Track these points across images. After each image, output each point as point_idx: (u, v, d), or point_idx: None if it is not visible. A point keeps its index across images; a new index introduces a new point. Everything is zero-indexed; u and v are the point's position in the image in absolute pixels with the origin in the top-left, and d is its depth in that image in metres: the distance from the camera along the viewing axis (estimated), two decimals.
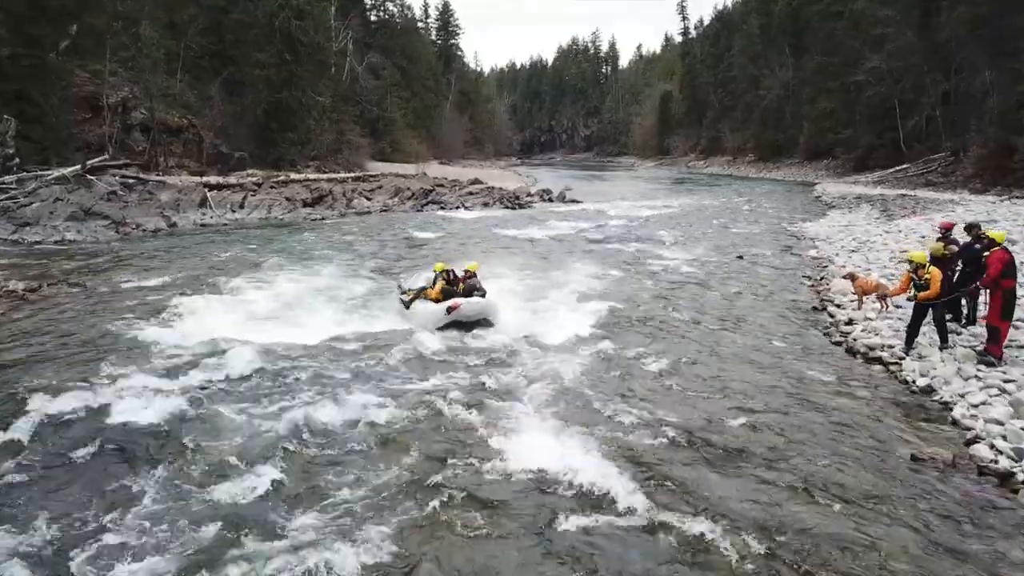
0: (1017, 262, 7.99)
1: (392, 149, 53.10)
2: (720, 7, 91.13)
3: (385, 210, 28.35)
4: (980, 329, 8.49)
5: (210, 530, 4.74)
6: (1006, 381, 6.92)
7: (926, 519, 4.91)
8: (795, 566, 4.38)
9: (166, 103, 29.94)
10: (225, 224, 22.73)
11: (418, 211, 28.61)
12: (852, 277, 10.53)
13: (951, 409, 6.70)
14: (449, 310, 9.52)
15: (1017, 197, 25.13)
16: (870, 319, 9.63)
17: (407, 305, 10.38)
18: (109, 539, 4.65)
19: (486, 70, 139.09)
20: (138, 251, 16.86)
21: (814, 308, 11.40)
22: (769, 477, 5.55)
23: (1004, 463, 5.56)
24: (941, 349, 7.95)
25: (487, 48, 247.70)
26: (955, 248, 8.96)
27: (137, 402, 6.84)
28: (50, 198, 20.02)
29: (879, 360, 8.33)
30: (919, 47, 39.08)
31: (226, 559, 4.44)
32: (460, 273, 10.40)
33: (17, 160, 21.18)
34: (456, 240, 19.95)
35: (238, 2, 35.86)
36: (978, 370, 7.29)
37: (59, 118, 23.87)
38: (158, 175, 25.77)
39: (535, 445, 6.01)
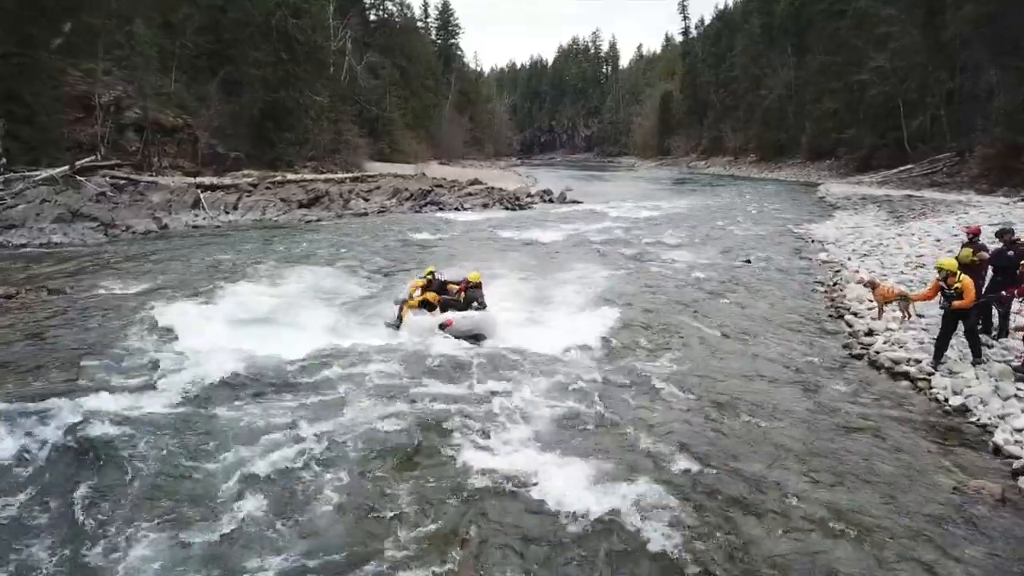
0: None
1: (391, 149, 52.54)
2: (721, 6, 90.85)
3: (382, 211, 27.79)
4: (1014, 342, 7.96)
5: (188, 553, 4.50)
6: None
7: (985, 567, 4.37)
8: None
9: (160, 102, 29.38)
10: (218, 226, 22.17)
11: (416, 212, 28.05)
12: (873, 285, 9.95)
13: (991, 433, 6.16)
14: (442, 326, 8.94)
15: None
16: (892, 330, 9.07)
17: (396, 326, 9.50)
18: (83, 558, 4.40)
19: (486, 70, 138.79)
20: (125, 254, 16.30)
21: (830, 316, 10.87)
22: (796, 512, 5.01)
23: None
24: (974, 364, 7.39)
25: (487, 48, 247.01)
26: (985, 255, 8.42)
27: (110, 420, 6.28)
28: (37, 199, 19.46)
29: (905, 375, 7.77)
30: (923, 46, 38.55)
31: None
32: (453, 278, 9.85)
33: (4, 160, 20.63)
34: (454, 243, 19.40)
35: (235, 1, 35.31)
36: (1018, 388, 6.74)
37: (50, 117, 23.34)
38: (151, 176, 25.22)
39: (534, 470, 5.55)
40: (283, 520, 4.88)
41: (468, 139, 77.55)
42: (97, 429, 6.04)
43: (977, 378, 7.09)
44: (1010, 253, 8.06)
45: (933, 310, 9.61)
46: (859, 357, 8.67)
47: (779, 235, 21.44)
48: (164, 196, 23.13)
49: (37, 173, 20.71)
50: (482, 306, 9.39)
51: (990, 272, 8.41)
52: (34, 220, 18.76)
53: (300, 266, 14.74)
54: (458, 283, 10.05)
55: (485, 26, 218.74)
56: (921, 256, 13.90)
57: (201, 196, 24.13)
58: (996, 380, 6.95)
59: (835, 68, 48.65)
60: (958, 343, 7.84)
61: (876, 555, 4.48)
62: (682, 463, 5.75)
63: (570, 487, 5.28)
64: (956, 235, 16.04)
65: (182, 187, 24.28)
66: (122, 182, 22.83)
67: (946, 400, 6.95)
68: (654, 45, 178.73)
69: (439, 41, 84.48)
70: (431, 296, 9.57)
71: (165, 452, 5.80)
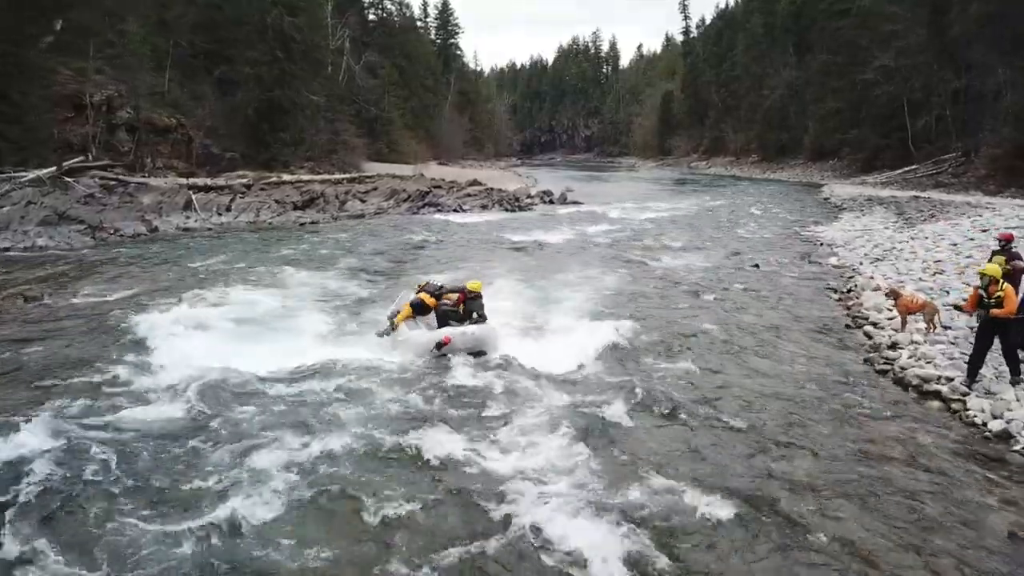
0: None
1: (389, 149, 51.91)
2: (722, 6, 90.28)
3: (379, 213, 27.18)
4: None
5: (169, 564, 4.30)
6: None
7: None
8: None
9: (153, 102, 28.78)
10: (210, 229, 21.56)
11: (414, 214, 27.44)
12: (895, 295, 9.33)
13: None
14: (439, 345, 8.36)
15: None
16: (917, 343, 8.50)
17: (387, 334, 8.87)
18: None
19: (486, 70, 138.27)
20: (111, 258, 15.72)
21: (846, 327, 10.30)
22: (830, 556, 4.45)
23: None
24: (1014, 384, 6.83)
25: (487, 48, 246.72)
26: (1020, 264, 7.87)
27: (80, 441, 5.72)
28: (22, 201, 18.86)
29: (937, 395, 7.19)
30: (929, 45, 38.04)
31: None
32: (449, 283, 9.27)
33: None
34: (452, 246, 18.83)
35: None
36: None
37: (39, 117, 22.70)
38: (143, 176, 24.62)
39: (535, 503, 5.02)
40: (269, 527, 4.74)
41: (468, 139, 76.96)
42: (56, 456, 5.44)
43: (1018, 399, 6.53)
44: None
45: (960, 321, 9.09)
46: (883, 373, 8.10)
47: (785, 238, 20.90)
48: (155, 198, 22.54)
49: (24, 174, 20.11)
50: (482, 318, 8.80)
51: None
52: (18, 223, 18.16)
53: (291, 272, 14.16)
54: (455, 290, 9.44)
55: (485, 26, 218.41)
56: (939, 262, 13.34)
57: (193, 197, 23.53)
58: None
59: (838, 67, 48.18)
60: (991, 359, 7.28)
61: None
62: (696, 496, 5.16)
63: (572, 524, 4.73)
64: (972, 239, 15.51)
65: (173, 188, 23.68)
66: (112, 183, 22.23)
67: (984, 424, 6.38)
68: (654, 45, 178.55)
69: (438, 41, 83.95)
70: (427, 298, 8.97)
71: (141, 465, 5.50)
